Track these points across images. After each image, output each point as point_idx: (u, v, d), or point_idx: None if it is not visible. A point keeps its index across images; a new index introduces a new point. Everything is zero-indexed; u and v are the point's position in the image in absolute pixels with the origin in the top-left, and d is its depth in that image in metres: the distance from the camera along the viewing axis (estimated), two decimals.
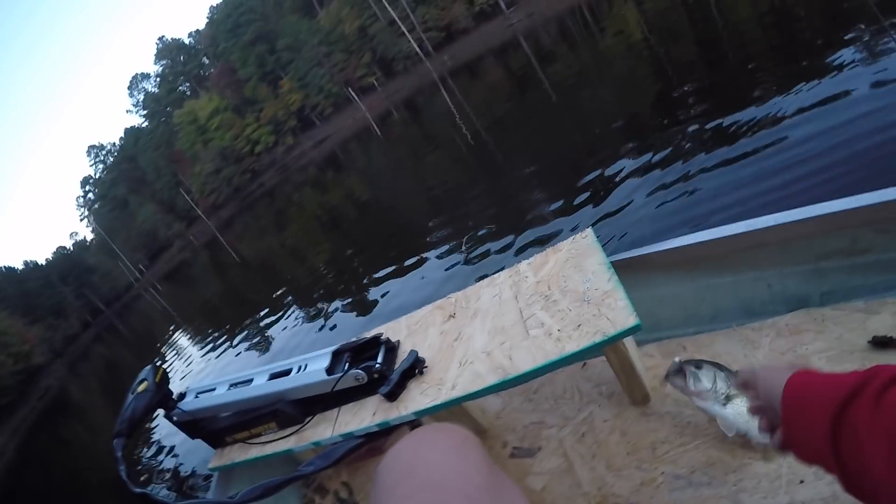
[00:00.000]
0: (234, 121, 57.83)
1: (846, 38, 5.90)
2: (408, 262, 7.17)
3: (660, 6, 18.98)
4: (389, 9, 46.76)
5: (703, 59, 9.27)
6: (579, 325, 1.36)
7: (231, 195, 58.22)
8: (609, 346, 1.37)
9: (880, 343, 1.31)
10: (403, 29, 46.86)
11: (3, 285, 56.66)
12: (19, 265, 63.35)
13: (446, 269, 6.30)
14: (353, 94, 47.58)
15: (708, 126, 5.75)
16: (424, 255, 7.06)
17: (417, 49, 46.36)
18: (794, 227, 1.61)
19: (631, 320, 1.28)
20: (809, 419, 0.63)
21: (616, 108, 8.94)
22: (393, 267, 7.33)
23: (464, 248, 6.59)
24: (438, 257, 6.80)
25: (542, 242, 5.53)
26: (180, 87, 67.99)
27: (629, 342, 1.44)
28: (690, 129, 6.00)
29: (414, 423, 1.50)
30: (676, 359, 1.17)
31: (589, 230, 1.78)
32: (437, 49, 46.84)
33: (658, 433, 1.44)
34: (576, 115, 10.33)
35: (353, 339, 1.79)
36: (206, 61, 67.69)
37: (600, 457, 1.48)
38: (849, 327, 1.43)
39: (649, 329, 1.43)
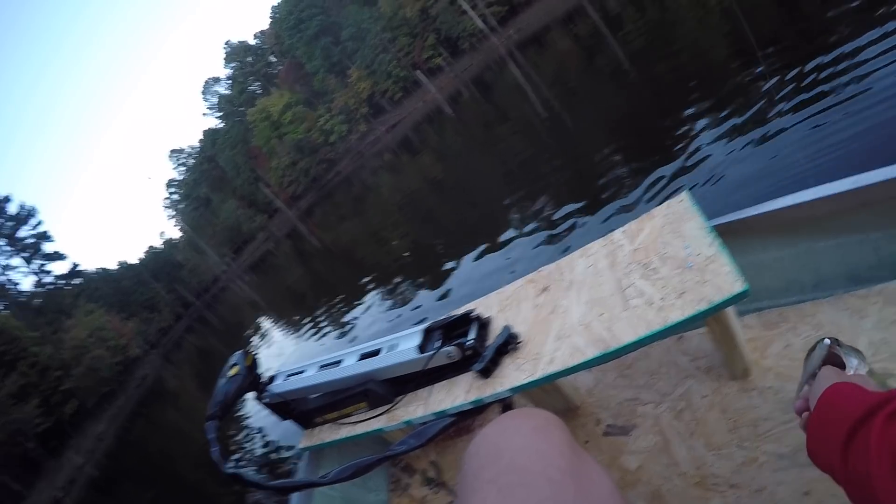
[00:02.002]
0: (307, 114, 59.09)
1: None
2: (492, 240, 7.11)
3: None
4: None
5: (783, 9, 8.74)
6: (683, 293, 1.29)
7: (309, 185, 59.70)
8: (712, 317, 1.30)
9: None
10: (466, 6, 46.43)
11: (99, 285, 59.72)
12: (114, 266, 67.07)
13: (533, 246, 6.22)
14: (421, 76, 47.69)
15: (794, 82, 5.42)
16: (509, 232, 6.99)
17: (482, 25, 45.87)
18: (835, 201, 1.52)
19: (738, 286, 1.21)
20: (828, 430, 0.66)
21: (691, 69, 8.57)
22: (477, 246, 7.28)
23: (548, 221, 6.50)
24: (523, 234, 6.71)
25: (631, 210, 5.39)
26: (251, 87, 69.94)
27: (731, 312, 1.36)
28: (775, 86, 5.67)
29: (507, 401, 1.48)
30: (826, 340, 0.95)
31: (685, 193, 1.69)
32: (502, 24, 46.09)
33: (760, 410, 1.36)
34: (649, 79, 9.99)
35: (444, 316, 1.75)
36: (274, 59, 69.34)
37: (699, 434, 1.42)
38: None
39: (748, 299, 1.28)
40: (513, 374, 1.44)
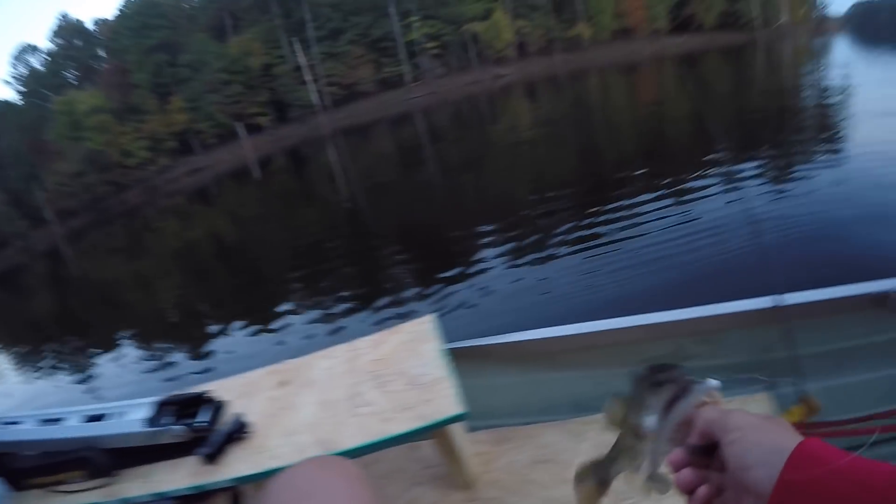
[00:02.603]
0: (112, 125, 54.21)
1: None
2: (258, 315, 7.21)
3: (552, 113, 20.71)
4: (300, 54, 47.03)
5: (579, 165, 10.45)
6: (407, 409, 1.39)
7: (88, 204, 54.32)
8: (437, 430, 1.40)
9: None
10: (308, 77, 47.14)
11: None
12: None
13: (293, 330, 6.45)
14: (241, 129, 46.73)
15: (571, 231, 6.66)
16: (277, 311, 7.12)
17: (316, 100, 46.71)
18: (624, 333, 1.76)
19: (457, 409, 1.33)
20: None
21: (492, 197, 9.76)
22: (243, 318, 7.30)
23: (315, 311, 6.80)
24: (290, 315, 6.92)
25: (389, 319, 5.84)
26: (67, 73, 63.40)
27: (456, 428, 1.49)
28: (558, 230, 6.86)
29: (235, 490, 1.49)
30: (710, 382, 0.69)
31: (430, 316, 1.85)
32: (335, 105, 47.46)
33: None
34: (453, 197, 11.06)
35: (181, 392, 1.70)
36: (102, 54, 63.81)
37: None
38: None
39: (481, 416, 1.47)
40: (237, 464, 1.44)
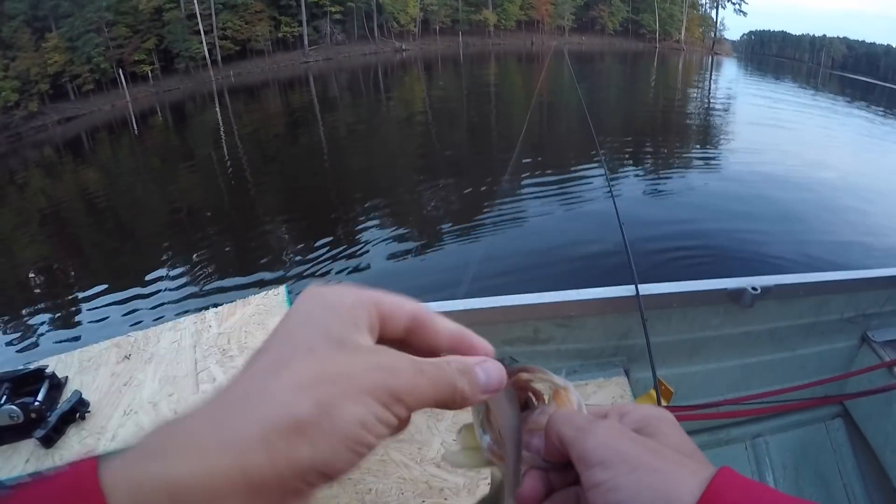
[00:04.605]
0: None
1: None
2: (117, 281, 7.08)
3: (444, 94, 21.13)
4: (195, 0, 44.53)
5: (468, 145, 10.87)
6: None
7: None
8: None
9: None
10: (201, 27, 44.75)
11: None
12: None
13: (150, 296, 6.44)
14: (122, 77, 43.81)
15: (444, 209, 7.04)
16: (136, 276, 7.05)
17: (206, 54, 44.57)
18: (480, 314, 1.75)
19: None
20: None
21: (375, 172, 10.04)
22: (100, 284, 7.15)
23: (194, 272, 6.84)
24: (149, 281, 6.86)
25: (245, 288, 6.04)
26: None
27: None
28: (430, 210, 7.21)
29: None
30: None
31: (282, 287, 1.85)
32: (226, 61, 45.52)
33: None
34: (337, 168, 11.29)
35: (17, 368, 1.60)
36: None
37: None
38: None
39: None
40: (75, 447, 1.40)
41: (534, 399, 0.48)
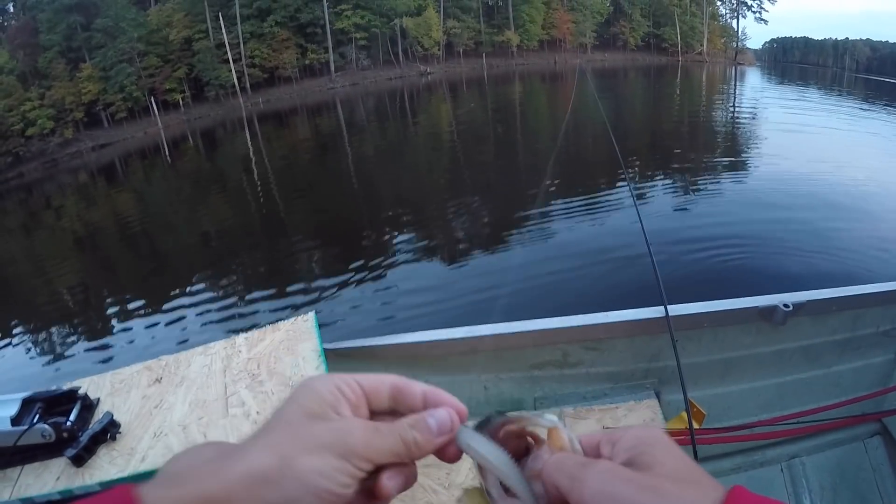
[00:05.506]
0: (16, 89, 50.57)
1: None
2: (149, 305, 7.15)
3: (473, 117, 21.24)
4: (224, 30, 45.57)
5: (495, 166, 10.78)
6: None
7: None
8: None
9: None
10: (230, 56, 45.70)
11: None
12: None
13: (180, 320, 6.49)
14: (154, 105, 44.88)
15: (472, 231, 7.06)
16: (168, 299, 7.11)
17: (236, 81, 45.52)
18: (511, 338, 1.77)
19: None
20: None
21: (403, 195, 10.05)
22: (132, 307, 7.24)
23: (226, 298, 6.88)
24: (180, 305, 6.92)
25: (275, 312, 6.08)
26: None
27: None
28: (460, 234, 7.22)
29: None
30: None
31: (311, 314, 1.84)
32: (255, 88, 46.34)
33: None
34: (365, 191, 11.31)
35: (50, 388, 1.60)
36: (11, 10, 59.28)
37: None
38: None
39: None
40: (105, 467, 1.39)
41: (533, 443, 0.50)
